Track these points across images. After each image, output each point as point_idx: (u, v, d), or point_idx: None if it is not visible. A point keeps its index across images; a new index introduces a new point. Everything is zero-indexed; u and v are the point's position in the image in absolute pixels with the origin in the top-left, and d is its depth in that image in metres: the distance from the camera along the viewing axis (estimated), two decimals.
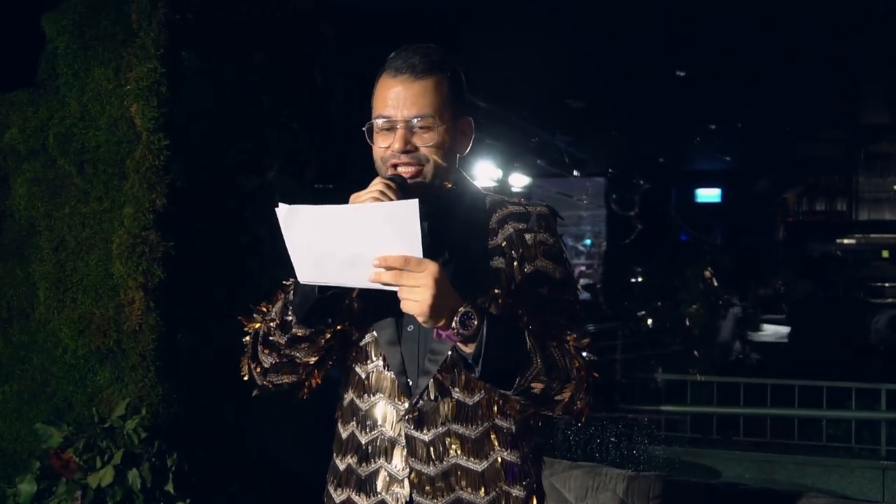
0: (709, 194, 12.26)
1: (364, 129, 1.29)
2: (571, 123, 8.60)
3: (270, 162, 2.50)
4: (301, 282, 1.18)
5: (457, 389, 1.25)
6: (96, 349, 2.27)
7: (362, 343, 1.30)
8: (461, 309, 1.12)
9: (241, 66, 2.46)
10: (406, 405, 1.26)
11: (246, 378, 1.34)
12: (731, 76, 6.76)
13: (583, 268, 11.82)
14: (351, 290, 1.24)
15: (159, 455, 2.13)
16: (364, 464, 1.28)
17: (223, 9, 2.41)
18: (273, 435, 2.40)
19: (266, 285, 1.34)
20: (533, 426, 1.31)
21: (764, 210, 12.07)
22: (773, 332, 7.42)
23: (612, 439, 3.65)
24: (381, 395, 1.28)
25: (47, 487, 2.11)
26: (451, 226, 1.28)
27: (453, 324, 1.12)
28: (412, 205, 1.06)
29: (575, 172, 10.25)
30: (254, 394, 1.35)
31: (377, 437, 1.27)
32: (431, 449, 1.25)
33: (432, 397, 1.25)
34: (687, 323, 5.48)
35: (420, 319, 1.12)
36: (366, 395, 1.29)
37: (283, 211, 1.13)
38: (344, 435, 1.32)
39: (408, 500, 1.25)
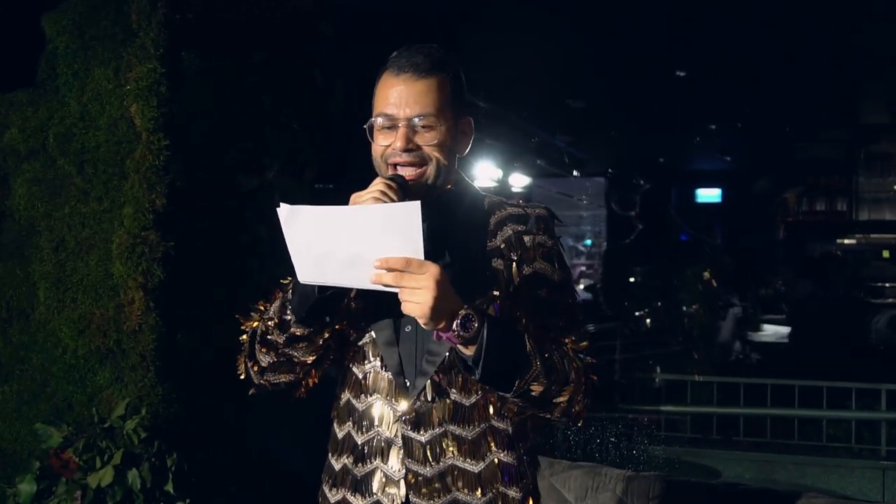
0: (709, 194, 12.26)
1: (365, 126, 1.29)
2: (571, 123, 8.60)
3: (270, 162, 2.49)
4: (301, 282, 1.18)
5: (454, 390, 1.25)
6: (96, 349, 2.27)
7: (360, 343, 1.30)
8: (462, 311, 1.12)
9: (241, 66, 2.46)
10: (403, 406, 1.26)
11: (243, 377, 1.34)
12: (731, 76, 6.76)
13: (583, 268, 11.82)
14: (350, 290, 1.24)
15: (159, 455, 2.13)
16: (360, 464, 1.28)
17: (223, 9, 2.41)
18: (273, 435, 2.40)
19: (266, 285, 1.34)
20: (530, 428, 1.31)
21: (764, 210, 12.08)
22: (773, 332, 7.42)
23: (612, 439, 3.65)
24: (378, 395, 1.28)
25: (47, 487, 2.11)
26: (450, 227, 1.28)
27: (454, 326, 1.12)
28: (414, 206, 1.06)
29: (575, 172, 10.25)
30: (250, 392, 1.35)
31: (373, 438, 1.27)
32: (428, 450, 1.24)
33: (429, 398, 1.25)
34: (685, 323, 5.49)
35: (421, 321, 1.12)
36: (363, 396, 1.29)
37: (284, 211, 1.13)
38: (340, 435, 1.32)
39: (404, 500, 1.24)
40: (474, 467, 1.25)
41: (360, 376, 1.30)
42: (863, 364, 4.84)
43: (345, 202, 1.19)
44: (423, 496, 1.24)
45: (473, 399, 1.26)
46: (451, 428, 1.25)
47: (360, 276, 1.12)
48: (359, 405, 1.29)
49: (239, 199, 2.43)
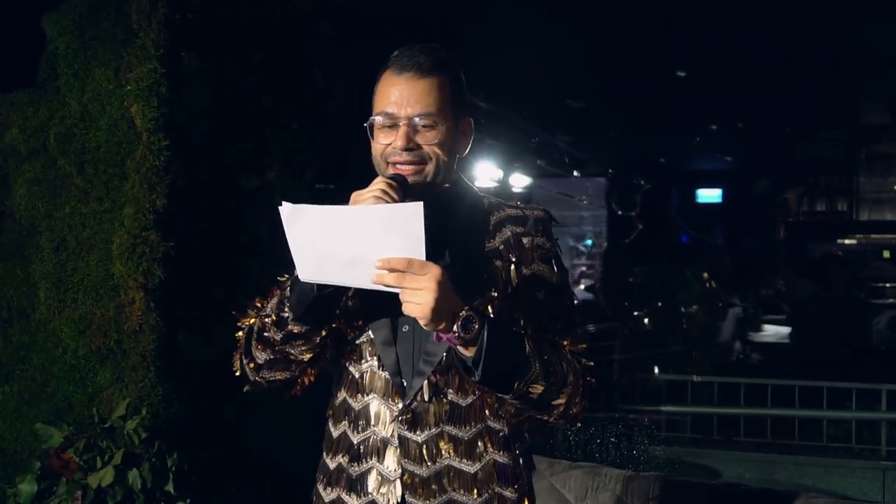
0: (710, 195, 12.25)
1: (366, 124, 1.29)
2: (572, 123, 8.61)
3: (270, 162, 2.50)
4: (302, 280, 1.18)
5: (450, 391, 1.25)
6: (97, 349, 2.27)
7: (357, 342, 1.30)
8: (462, 313, 1.12)
9: (241, 66, 2.46)
10: (400, 406, 1.25)
11: (238, 374, 1.34)
12: (732, 76, 6.77)
13: (583, 268, 11.82)
14: (349, 288, 1.24)
15: (159, 455, 2.13)
16: (355, 463, 1.27)
17: (223, 9, 2.41)
18: (273, 435, 2.40)
19: (266, 285, 1.34)
20: (526, 429, 1.31)
21: (765, 210, 12.07)
22: (773, 332, 7.43)
23: (613, 439, 3.65)
24: (375, 395, 1.27)
25: (48, 487, 2.11)
26: (450, 227, 1.28)
27: (454, 328, 1.12)
28: (417, 207, 1.06)
29: (575, 173, 10.25)
30: (245, 389, 1.34)
31: (369, 437, 1.27)
32: (424, 450, 1.24)
33: (426, 398, 1.25)
34: (684, 324, 5.49)
35: (421, 322, 1.12)
36: (359, 395, 1.29)
37: (286, 209, 1.13)
38: (335, 434, 1.32)
39: (399, 501, 1.24)
40: (470, 468, 1.25)
41: (357, 375, 1.29)
42: (863, 364, 4.85)
43: (345, 202, 1.20)
44: (419, 496, 1.24)
45: (470, 399, 1.26)
46: (448, 428, 1.25)
47: (362, 276, 1.12)
48: (355, 404, 1.29)
49: (239, 199, 2.44)
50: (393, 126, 1.26)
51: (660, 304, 5.75)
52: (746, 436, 4.38)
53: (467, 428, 1.25)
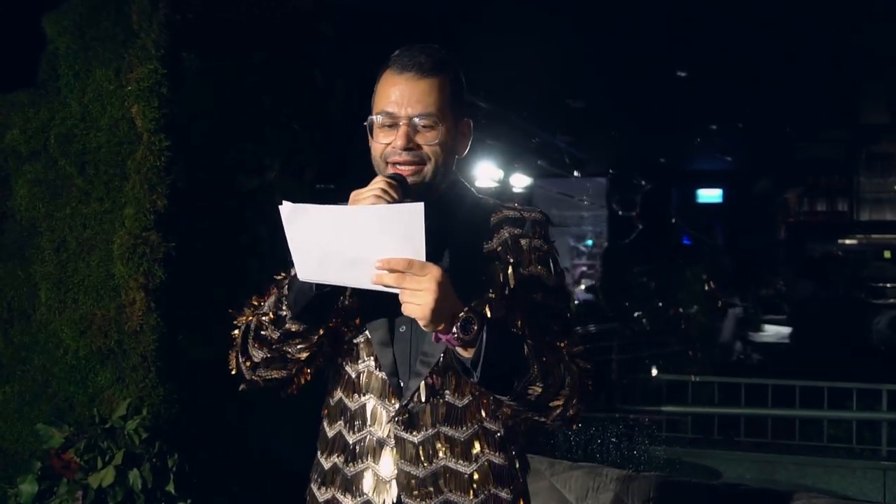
0: (710, 195, 12.25)
1: (365, 123, 1.29)
2: (572, 124, 8.61)
3: (271, 162, 2.50)
4: (301, 279, 1.18)
5: (447, 392, 1.25)
6: (97, 350, 2.27)
7: (354, 342, 1.29)
8: (462, 314, 1.12)
9: (242, 66, 2.46)
10: (396, 406, 1.25)
11: (234, 372, 1.33)
12: (732, 76, 6.76)
13: (584, 268, 11.81)
14: (347, 287, 1.24)
15: (160, 455, 2.13)
16: (351, 464, 1.27)
17: (223, 9, 2.41)
18: (274, 435, 2.40)
19: (266, 285, 1.34)
20: (522, 430, 1.31)
21: (765, 210, 12.07)
22: (774, 332, 7.43)
23: (613, 440, 3.65)
24: (371, 395, 1.27)
25: (48, 488, 2.11)
26: (450, 228, 1.28)
27: (454, 329, 1.12)
28: (418, 208, 1.06)
29: (576, 173, 10.25)
30: (241, 388, 1.34)
31: (365, 437, 1.27)
32: (421, 451, 1.24)
33: (423, 399, 1.25)
34: (683, 325, 5.49)
35: (421, 323, 1.12)
36: (355, 395, 1.28)
37: (286, 209, 1.13)
38: (330, 434, 1.31)
39: (395, 501, 1.24)
40: (466, 469, 1.25)
41: (354, 375, 1.29)
42: (864, 364, 4.85)
43: (345, 201, 1.20)
44: (415, 497, 1.23)
45: (466, 401, 1.26)
46: (444, 429, 1.25)
47: (361, 276, 1.12)
48: (351, 404, 1.29)
49: (239, 199, 2.44)
50: (393, 126, 1.26)
51: (660, 304, 5.75)
52: (747, 436, 4.38)
53: (463, 429, 1.25)
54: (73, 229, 2.32)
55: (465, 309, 1.13)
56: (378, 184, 1.18)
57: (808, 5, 5.19)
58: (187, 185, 2.28)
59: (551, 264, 1.32)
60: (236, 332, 1.32)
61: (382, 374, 1.27)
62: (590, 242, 12.38)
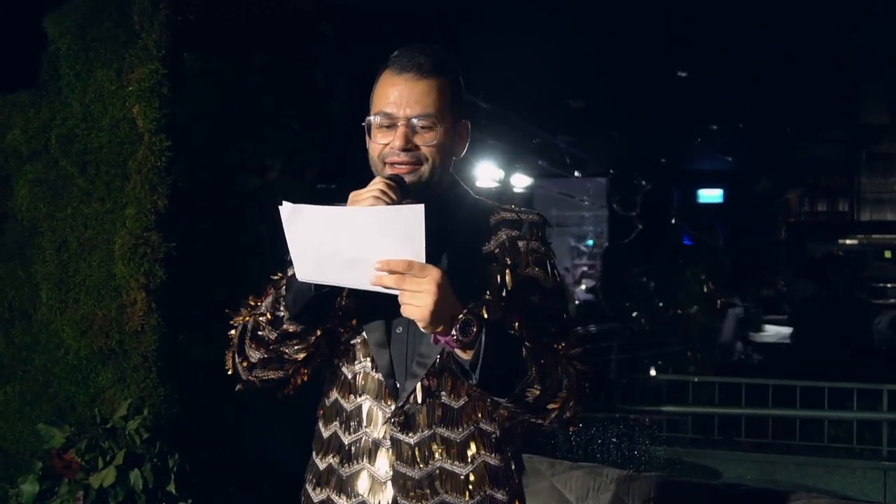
0: (711, 195, 12.24)
1: (363, 123, 1.28)
2: (572, 124, 8.61)
3: (272, 162, 2.50)
4: (300, 280, 1.18)
5: (443, 393, 1.25)
6: (98, 350, 2.27)
7: (351, 342, 1.29)
8: (461, 316, 1.12)
9: (243, 66, 2.47)
10: (392, 407, 1.25)
11: (230, 373, 1.33)
12: (732, 76, 6.76)
13: (585, 268, 11.81)
14: (345, 287, 1.24)
15: (161, 455, 2.13)
16: (346, 464, 1.27)
17: (224, 9, 2.41)
18: (272, 435, 2.40)
19: (264, 285, 1.34)
20: (519, 432, 1.31)
21: (766, 210, 12.07)
22: (774, 332, 7.43)
23: (614, 440, 3.65)
24: (368, 396, 1.27)
25: (49, 488, 2.11)
26: (449, 229, 1.28)
27: (453, 331, 1.12)
28: (418, 210, 1.06)
29: (576, 173, 10.25)
30: (237, 388, 1.34)
31: (361, 438, 1.27)
32: (417, 452, 1.24)
33: (419, 400, 1.25)
34: (683, 325, 5.49)
35: (420, 325, 1.12)
36: (351, 396, 1.28)
37: (286, 209, 1.13)
38: (326, 434, 1.31)
39: (390, 502, 1.24)
40: (462, 470, 1.25)
41: (350, 376, 1.29)
42: (864, 365, 4.84)
43: (345, 202, 1.20)
44: (411, 498, 1.23)
45: (462, 402, 1.26)
46: (440, 430, 1.25)
47: (361, 277, 1.12)
48: (347, 405, 1.29)
49: (240, 199, 2.44)
50: (391, 126, 1.25)
51: (660, 304, 5.75)
52: (747, 436, 4.37)
53: (459, 430, 1.25)
54: (74, 229, 2.33)
55: (465, 311, 1.13)
56: (377, 185, 1.18)
57: (808, 5, 5.18)
58: (188, 186, 2.28)
59: (548, 266, 1.32)
60: (233, 332, 1.32)
61: (379, 375, 1.26)
62: (590, 242, 12.37)
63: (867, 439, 4.23)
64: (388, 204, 1.15)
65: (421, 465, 1.24)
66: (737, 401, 4.48)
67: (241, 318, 1.31)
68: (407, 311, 1.11)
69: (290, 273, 1.22)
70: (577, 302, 7.84)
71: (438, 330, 1.12)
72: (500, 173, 8.30)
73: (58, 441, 2.14)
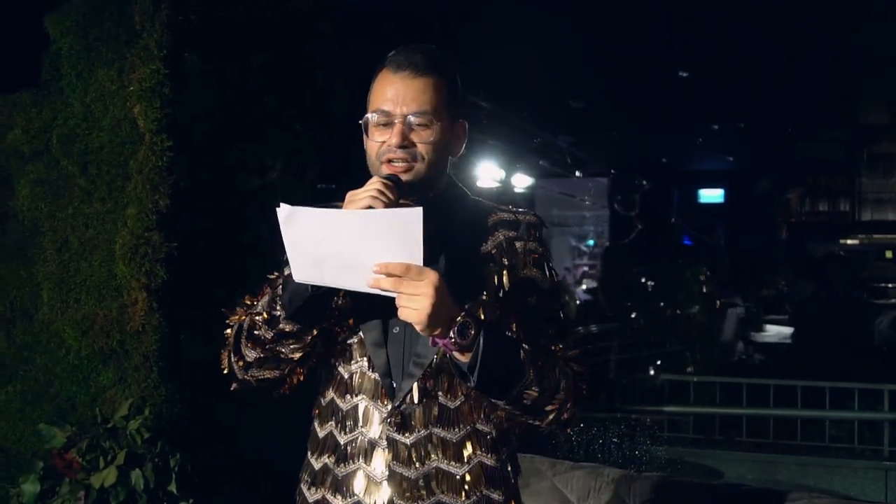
0: (712, 195, 12.25)
1: (361, 122, 1.28)
2: (573, 124, 8.61)
3: (273, 162, 2.50)
4: (297, 281, 1.17)
5: (440, 393, 1.25)
6: (99, 350, 2.27)
7: (347, 342, 1.29)
8: (459, 319, 1.12)
9: (244, 67, 2.47)
10: (389, 407, 1.25)
11: (226, 372, 1.32)
12: (732, 76, 6.76)
13: (585, 268, 11.81)
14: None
15: (162, 455, 2.13)
16: (342, 464, 1.26)
17: (224, 10, 2.42)
18: (273, 435, 2.40)
19: (260, 285, 1.34)
20: (516, 432, 1.31)
21: (767, 210, 12.07)
22: (775, 332, 7.43)
23: (615, 440, 3.65)
24: (364, 395, 1.27)
25: (51, 487, 2.11)
26: (446, 230, 1.27)
27: (451, 334, 1.12)
28: (416, 213, 1.06)
29: (577, 173, 10.26)
30: (232, 388, 1.33)
31: (357, 438, 1.26)
32: (413, 452, 1.24)
33: (416, 400, 1.24)
34: (684, 325, 5.49)
35: (417, 328, 1.12)
36: (347, 395, 1.28)
37: (283, 211, 1.13)
38: (321, 434, 1.31)
39: (386, 502, 1.23)
40: (458, 470, 1.24)
41: (346, 376, 1.29)
42: (865, 364, 4.83)
43: (343, 201, 1.20)
44: (407, 499, 1.23)
45: (459, 402, 1.26)
46: (436, 431, 1.24)
47: (358, 280, 1.12)
48: (343, 405, 1.28)
49: (241, 199, 2.44)
50: (388, 124, 1.25)
51: (661, 304, 5.75)
52: (748, 436, 4.37)
53: (456, 430, 1.25)
54: (75, 229, 2.33)
55: (462, 314, 1.13)
56: (374, 184, 1.17)
57: (808, 5, 5.18)
58: (189, 185, 2.28)
59: (546, 267, 1.32)
60: (229, 331, 1.32)
61: (375, 375, 1.26)
62: (591, 242, 12.37)
63: (868, 439, 4.22)
64: (385, 204, 1.15)
65: (417, 466, 1.24)
66: (738, 401, 4.48)
67: (237, 317, 1.31)
68: (404, 314, 1.11)
69: (286, 272, 1.21)
70: (577, 302, 7.83)
71: (436, 333, 1.12)
72: (501, 173, 8.31)
73: (59, 441, 2.14)
